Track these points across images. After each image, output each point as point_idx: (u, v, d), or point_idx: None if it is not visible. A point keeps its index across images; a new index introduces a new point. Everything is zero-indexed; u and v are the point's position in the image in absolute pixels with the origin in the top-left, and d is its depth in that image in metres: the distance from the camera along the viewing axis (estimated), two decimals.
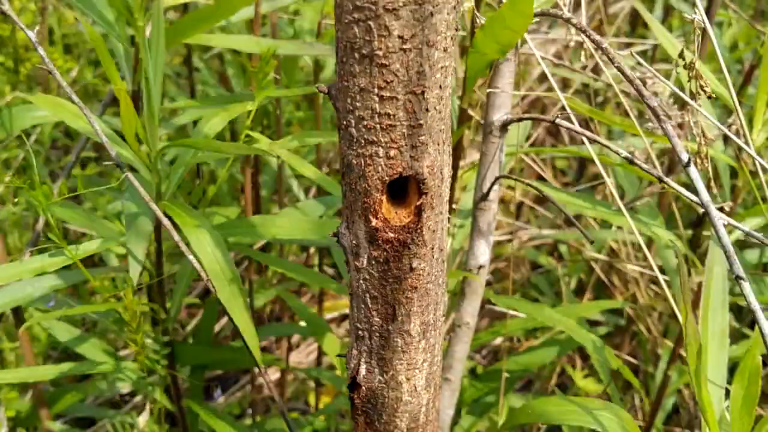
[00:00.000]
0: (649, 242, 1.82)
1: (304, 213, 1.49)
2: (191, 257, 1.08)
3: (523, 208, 2.55)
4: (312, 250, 2.48)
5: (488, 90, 1.10)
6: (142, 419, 1.55)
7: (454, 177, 1.29)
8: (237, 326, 1.03)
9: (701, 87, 0.91)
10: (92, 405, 1.99)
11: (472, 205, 1.23)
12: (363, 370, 0.87)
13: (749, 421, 0.79)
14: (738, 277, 0.64)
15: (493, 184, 1.13)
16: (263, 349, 2.62)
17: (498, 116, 1.13)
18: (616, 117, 1.13)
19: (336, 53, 0.69)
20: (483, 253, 1.23)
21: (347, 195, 0.76)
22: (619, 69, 0.78)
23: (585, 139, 1.09)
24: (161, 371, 1.36)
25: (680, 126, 1.34)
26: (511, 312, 1.58)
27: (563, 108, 1.08)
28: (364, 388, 0.88)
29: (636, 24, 2.60)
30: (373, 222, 0.75)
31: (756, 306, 0.63)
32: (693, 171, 0.68)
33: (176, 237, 1.07)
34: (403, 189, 0.76)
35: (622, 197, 1.64)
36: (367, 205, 0.74)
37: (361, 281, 0.81)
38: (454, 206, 1.39)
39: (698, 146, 0.96)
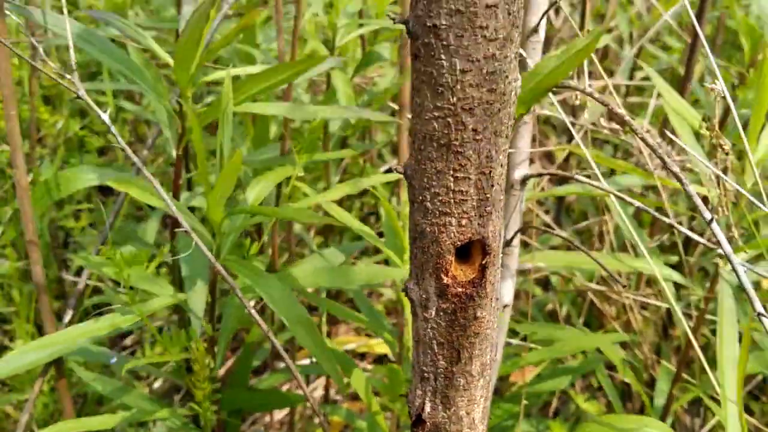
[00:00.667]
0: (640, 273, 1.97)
1: (327, 260, 1.61)
2: (251, 308, 1.20)
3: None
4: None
5: (509, 150, 1.24)
6: None
7: None
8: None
9: (720, 146, 1.06)
10: None
11: None
12: (428, 408, 0.99)
13: None
14: (760, 315, 0.78)
15: (516, 233, 1.27)
16: (274, 389, 2.73)
17: (518, 172, 1.27)
18: (630, 165, 1.27)
19: (413, 141, 0.83)
20: (507, 293, 1.36)
21: (418, 256, 0.89)
22: (643, 140, 0.92)
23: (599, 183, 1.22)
24: (211, 416, 1.47)
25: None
26: (525, 344, 1.71)
27: (579, 164, 1.21)
28: (428, 423, 1.00)
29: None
30: (444, 279, 0.88)
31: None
32: (716, 227, 0.82)
33: (238, 292, 1.18)
34: (466, 249, 0.89)
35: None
36: (439, 265, 0.87)
37: (429, 330, 0.93)
38: None
39: (719, 198, 1.10)
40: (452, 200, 0.82)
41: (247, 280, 1.22)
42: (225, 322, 1.51)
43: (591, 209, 2.36)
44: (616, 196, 1.14)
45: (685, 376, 1.73)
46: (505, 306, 1.38)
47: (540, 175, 1.24)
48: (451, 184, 0.81)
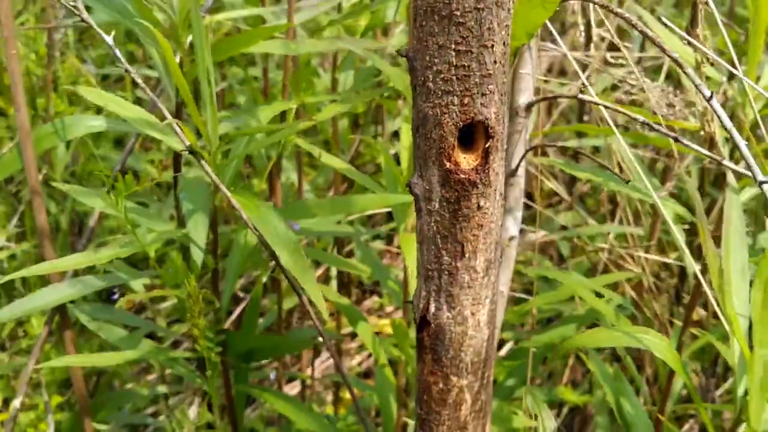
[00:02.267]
0: (652, 230, 1.95)
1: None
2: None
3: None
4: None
5: (514, 72, 1.24)
6: (193, 411, 1.64)
7: None
8: (305, 289, 1.14)
9: (705, 58, 1.06)
10: (133, 414, 2.06)
11: None
12: (432, 308, 0.98)
13: None
14: (761, 182, 0.77)
15: (521, 159, 1.26)
16: (283, 366, 2.72)
17: (523, 99, 1.27)
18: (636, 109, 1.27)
19: (414, 20, 0.82)
20: (512, 225, 1.35)
21: (421, 145, 0.89)
22: (646, 35, 0.92)
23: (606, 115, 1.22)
24: (215, 359, 1.46)
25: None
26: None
27: (582, 89, 1.21)
28: (432, 325, 0.99)
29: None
30: (447, 165, 0.87)
31: None
32: (715, 103, 0.82)
33: (244, 215, 1.18)
34: (469, 138, 0.89)
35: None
36: (442, 149, 0.87)
37: (433, 223, 0.93)
38: None
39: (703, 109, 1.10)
40: (454, 77, 0.82)
41: (245, 212, 1.21)
42: (231, 259, 1.50)
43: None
44: (623, 114, 1.13)
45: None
46: (511, 238, 1.37)
47: (544, 99, 1.24)
48: (453, 59, 0.81)
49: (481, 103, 0.84)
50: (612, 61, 1.51)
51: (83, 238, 1.65)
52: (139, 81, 1.15)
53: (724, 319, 0.94)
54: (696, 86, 0.84)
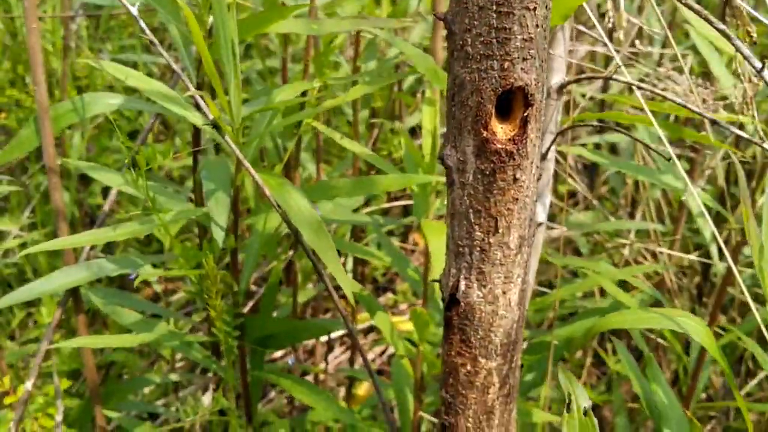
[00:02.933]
0: (676, 226, 1.91)
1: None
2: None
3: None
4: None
5: (547, 51, 1.20)
6: (207, 398, 1.61)
7: None
8: (327, 266, 1.11)
9: (748, 33, 1.02)
10: (140, 403, 2.03)
11: None
12: (462, 286, 0.95)
13: None
14: None
15: (552, 141, 1.23)
16: (297, 360, 2.69)
17: (555, 79, 1.24)
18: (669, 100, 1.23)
19: None
20: (541, 212, 1.32)
21: (456, 114, 0.86)
22: (688, 5, 0.89)
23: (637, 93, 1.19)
24: (232, 343, 1.43)
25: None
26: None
27: (616, 70, 1.18)
28: (462, 303, 0.96)
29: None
30: (484, 133, 0.84)
31: None
32: (767, 74, 0.78)
33: (267, 192, 1.15)
34: (507, 106, 0.86)
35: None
36: (479, 117, 0.83)
37: (465, 197, 0.89)
38: None
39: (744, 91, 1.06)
40: (494, 40, 0.79)
41: (268, 189, 1.18)
42: (251, 243, 1.48)
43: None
44: (657, 95, 1.10)
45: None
46: (539, 224, 1.33)
47: (578, 80, 1.20)
48: (494, 21, 0.78)
49: (522, 68, 0.81)
50: (633, 57, 1.48)
51: (96, 226, 1.63)
52: (163, 51, 1.12)
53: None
54: (746, 58, 0.80)
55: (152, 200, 1.19)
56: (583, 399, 0.86)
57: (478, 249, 0.92)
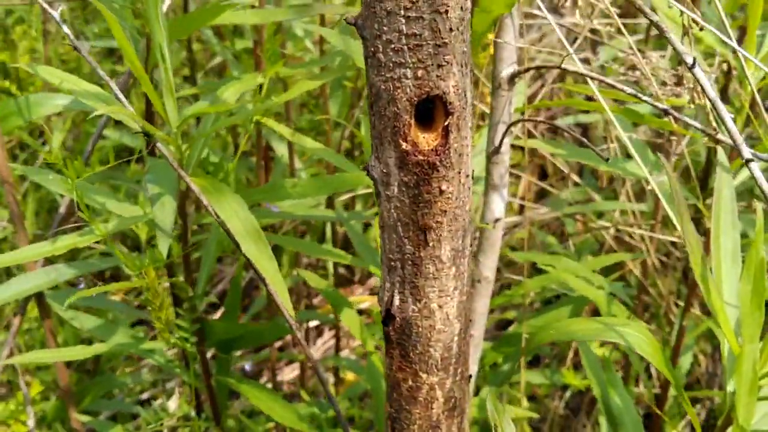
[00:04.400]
0: (656, 207, 1.85)
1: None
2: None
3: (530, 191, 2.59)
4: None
5: (495, 41, 1.14)
6: (173, 402, 1.58)
7: None
8: (263, 278, 1.07)
9: (694, 21, 0.96)
10: (118, 401, 2.01)
11: (485, 163, 1.27)
12: (396, 300, 0.90)
13: (760, 316, 0.82)
14: (748, 161, 0.68)
15: (504, 133, 1.18)
16: (280, 348, 2.67)
17: (505, 70, 1.18)
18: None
19: None
20: (498, 206, 1.26)
21: (376, 124, 0.80)
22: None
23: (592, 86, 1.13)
24: (190, 348, 1.39)
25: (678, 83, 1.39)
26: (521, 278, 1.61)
27: (563, 60, 1.12)
28: (398, 318, 0.91)
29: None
30: (403, 145, 0.79)
31: (766, 186, 0.67)
32: (698, 71, 0.72)
33: (205, 200, 1.10)
34: (429, 116, 0.80)
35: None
36: (396, 128, 0.78)
37: (393, 210, 0.84)
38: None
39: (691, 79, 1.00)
40: (406, 47, 0.73)
41: (205, 196, 1.13)
42: (207, 245, 1.43)
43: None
44: (610, 86, 1.04)
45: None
46: (496, 220, 1.28)
47: (528, 69, 1.14)
48: (403, 27, 0.72)
49: (438, 76, 0.75)
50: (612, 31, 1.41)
51: (54, 223, 1.59)
52: (88, 58, 1.07)
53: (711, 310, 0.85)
54: (677, 52, 0.74)
55: (87, 212, 1.15)
56: (509, 430, 0.81)
57: (410, 263, 0.87)
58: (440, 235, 0.85)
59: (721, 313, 0.84)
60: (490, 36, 1.23)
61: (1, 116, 1.44)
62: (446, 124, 0.78)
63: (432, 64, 0.74)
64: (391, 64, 0.75)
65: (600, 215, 2.29)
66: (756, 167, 0.68)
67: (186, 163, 1.24)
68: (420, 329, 0.91)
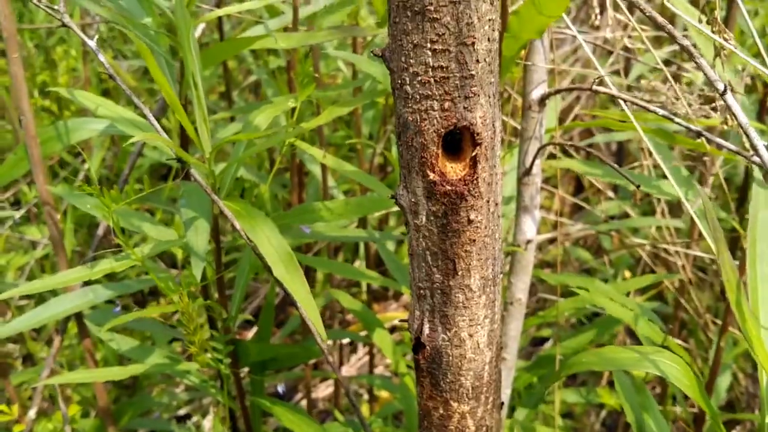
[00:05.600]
0: (692, 223, 1.83)
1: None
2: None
3: (565, 207, 2.57)
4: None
5: (524, 63, 1.14)
6: (208, 422, 1.59)
7: None
8: (297, 301, 1.07)
9: (725, 39, 0.94)
10: (156, 419, 2.03)
11: (516, 184, 1.27)
12: (426, 329, 0.90)
13: None
14: None
15: (536, 156, 1.17)
16: (312, 366, 2.67)
17: (536, 92, 1.17)
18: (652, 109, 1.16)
19: (388, 15, 0.74)
20: (530, 228, 1.26)
21: (404, 154, 0.81)
22: (651, 18, 0.82)
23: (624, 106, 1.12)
24: (224, 370, 1.40)
25: (711, 104, 1.37)
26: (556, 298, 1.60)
27: (599, 81, 1.11)
28: (428, 347, 0.91)
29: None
30: (431, 176, 0.79)
31: None
32: (730, 98, 0.71)
33: (237, 225, 1.11)
34: (457, 146, 0.80)
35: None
36: (424, 159, 0.78)
37: (421, 239, 0.84)
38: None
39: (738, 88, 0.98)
40: (432, 79, 0.73)
41: (237, 221, 1.14)
42: (240, 266, 1.45)
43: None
44: (641, 107, 1.03)
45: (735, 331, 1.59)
46: (528, 242, 1.27)
47: (558, 91, 1.14)
48: (430, 60, 0.72)
49: (465, 107, 0.75)
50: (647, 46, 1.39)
51: (93, 245, 1.61)
52: (124, 86, 1.08)
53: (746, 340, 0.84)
54: (709, 79, 0.73)
55: (124, 238, 1.16)
56: None
57: (439, 292, 0.87)
58: (469, 264, 0.84)
59: (757, 341, 0.83)
60: (523, 52, 1.22)
61: (41, 141, 1.47)
62: (474, 154, 0.78)
63: (459, 96, 0.74)
64: (418, 96, 0.75)
65: (636, 231, 2.26)
66: None
67: (220, 186, 1.25)
68: (450, 358, 0.91)
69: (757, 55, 1.55)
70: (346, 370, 2.67)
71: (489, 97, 0.76)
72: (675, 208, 2.20)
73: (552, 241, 2.28)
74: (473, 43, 0.72)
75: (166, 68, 1.45)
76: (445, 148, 0.80)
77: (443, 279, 0.86)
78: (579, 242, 2.57)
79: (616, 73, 2.49)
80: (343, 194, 2.23)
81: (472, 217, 0.81)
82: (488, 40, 0.73)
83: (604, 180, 1.24)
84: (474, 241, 0.83)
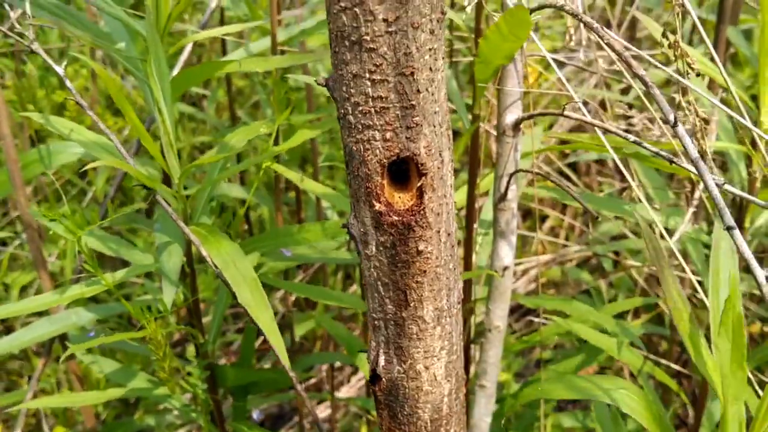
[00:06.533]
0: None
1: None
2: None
3: (562, 231, 2.55)
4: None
5: (497, 88, 1.12)
6: None
7: (472, 182, 1.31)
8: (262, 328, 1.06)
9: (688, 65, 0.92)
10: None
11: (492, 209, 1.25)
12: (382, 361, 0.88)
13: (743, 375, 0.78)
14: (729, 228, 0.64)
15: (509, 181, 1.15)
16: (314, 387, 2.65)
17: (509, 116, 1.15)
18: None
19: (330, 45, 0.73)
20: (507, 254, 1.24)
21: (352, 184, 0.79)
22: (609, 46, 0.80)
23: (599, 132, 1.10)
24: (201, 395, 1.39)
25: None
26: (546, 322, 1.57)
27: (571, 106, 1.09)
28: (384, 379, 0.89)
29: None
30: (377, 206, 0.77)
31: (748, 254, 0.63)
32: (681, 129, 0.69)
33: (203, 250, 1.10)
34: (405, 176, 0.78)
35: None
36: (369, 189, 0.77)
37: (372, 269, 0.83)
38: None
39: (693, 125, 0.96)
40: (373, 109, 0.72)
41: (203, 246, 1.13)
42: (219, 293, 1.44)
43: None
44: (612, 133, 1.01)
45: None
46: (505, 268, 1.25)
47: (531, 116, 1.12)
48: (369, 90, 0.71)
49: (407, 137, 0.73)
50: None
51: (74, 273, 1.61)
52: (89, 112, 1.08)
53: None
54: (661, 108, 0.71)
55: (93, 264, 1.16)
56: None
57: (392, 323, 0.85)
58: (421, 295, 0.83)
59: (713, 372, 0.80)
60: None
61: (23, 164, 1.47)
62: (420, 184, 0.76)
63: (400, 126, 0.72)
64: (360, 126, 0.73)
65: (637, 253, 2.23)
66: (738, 234, 0.64)
67: (193, 210, 1.25)
68: (407, 390, 0.89)
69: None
70: (346, 391, 2.64)
71: (434, 127, 0.75)
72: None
73: (549, 262, 2.26)
74: (412, 73, 0.70)
75: (149, 92, 1.46)
76: (394, 178, 0.78)
77: (396, 310, 0.84)
78: (581, 264, 2.54)
79: (625, 91, 2.46)
80: (338, 215, 2.22)
81: (421, 247, 0.79)
82: (430, 69, 0.72)
83: (583, 205, 1.21)
84: (425, 272, 0.81)
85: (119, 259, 2.14)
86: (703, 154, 0.96)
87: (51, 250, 2.48)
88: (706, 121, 0.96)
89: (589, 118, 1.04)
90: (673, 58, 0.91)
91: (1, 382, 2.32)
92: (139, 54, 1.38)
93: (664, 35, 0.91)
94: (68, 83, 1.09)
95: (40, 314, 2.19)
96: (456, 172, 2.27)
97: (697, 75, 0.90)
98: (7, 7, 1.43)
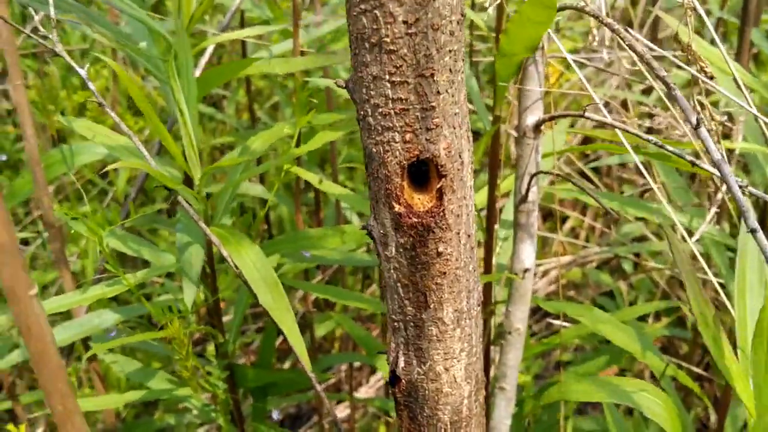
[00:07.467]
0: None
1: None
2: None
3: (583, 231, 2.53)
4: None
5: (518, 87, 1.12)
6: None
7: (492, 184, 1.31)
8: (281, 329, 1.06)
9: (702, 69, 0.91)
10: None
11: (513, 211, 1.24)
12: (401, 362, 0.88)
13: None
14: (752, 230, 0.63)
15: (530, 182, 1.14)
16: (333, 387, 2.66)
17: (530, 118, 1.15)
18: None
19: (350, 47, 0.73)
20: (528, 256, 1.23)
21: (372, 186, 0.79)
22: (631, 47, 0.79)
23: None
24: (221, 395, 1.39)
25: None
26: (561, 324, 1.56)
27: (592, 107, 1.09)
28: (404, 381, 0.89)
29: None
30: (396, 207, 0.77)
31: None
32: (703, 131, 0.68)
33: (224, 251, 1.11)
34: (425, 177, 0.78)
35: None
36: (389, 191, 0.77)
37: (392, 270, 0.83)
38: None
39: (708, 127, 0.95)
40: (392, 111, 0.72)
41: (224, 247, 1.13)
42: (239, 293, 1.44)
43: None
44: (633, 135, 1.00)
45: None
46: (525, 270, 1.25)
47: (552, 118, 1.11)
48: (389, 92, 0.71)
49: (427, 139, 0.73)
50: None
51: (96, 274, 1.63)
52: (112, 114, 1.09)
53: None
54: (684, 110, 0.71)
55: (114, 264, 1.16)
56: None
57: (412, 324, 0.85)
58: (441, 296, 0.82)
59: (738, 379, 0.79)
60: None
61: (47, 165, 1.49)
62: (439, 186, 0.76)
63: (420, 128, 0.72)
64: (380, 128, 0.73)
65: (657, 254, 2.21)
66: (762, 237, 0.64)
67: (214, 211, 1.25)
68: (426, 392, 0.89)
69: None
70: (365, 392, 2.65)
71: (454, 128, 0.75)
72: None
73: (570, 264, 2.24)
74: (432, 75, 0.70)
75: (170, 93, 1.46)
76: (414, 179, 0.78)
77: (415, 312, 0.84)
78: (602, 265, 2.53)
79: (647, 92, 2.45)
80: (356, 215, 2.22)
81: (440, 249, 0.79)
82: (450, 71, 0.72)
83: (607, 206, 1.20)
84: (444, 273, 0.81)
85: (140, 259, 2.16)
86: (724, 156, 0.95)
87: (71, 250, 2.50)
88: (724, 123, 0.95)
89: (609, 120, 1.03)
90: (691, 60, 0.90)
91: (22, 381, 2.34)
92: (160, 55, 1.39)
93: (676, 39, 0.90)
94: (90, 84, 1.10)
95: (61, 313, 2.22)
96: (476, 173, 2.26)
97: (711, 78, 0.89)
98: (31, 9, 1.44)
